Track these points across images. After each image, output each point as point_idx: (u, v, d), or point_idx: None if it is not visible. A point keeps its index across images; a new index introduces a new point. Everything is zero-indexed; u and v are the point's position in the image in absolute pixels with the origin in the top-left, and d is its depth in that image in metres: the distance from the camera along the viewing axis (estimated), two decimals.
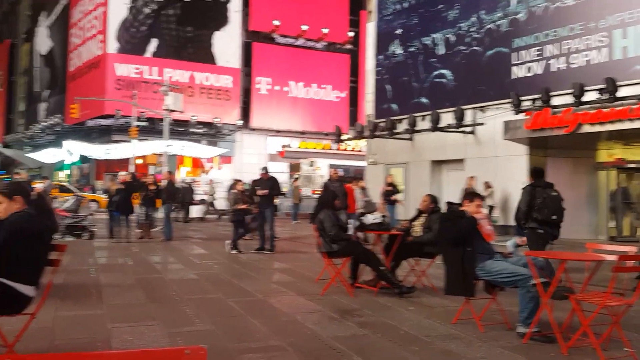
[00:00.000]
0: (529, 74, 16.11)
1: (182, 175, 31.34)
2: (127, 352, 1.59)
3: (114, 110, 31.58)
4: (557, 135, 13.81)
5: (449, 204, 6.50)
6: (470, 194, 5.93)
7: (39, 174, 34.34)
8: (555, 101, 13.93)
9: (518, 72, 16.42)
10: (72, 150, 34.33)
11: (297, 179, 25.66)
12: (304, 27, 38.29)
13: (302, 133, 39.22)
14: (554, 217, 6.92)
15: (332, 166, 31.17)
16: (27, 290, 3.71)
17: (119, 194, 13.11)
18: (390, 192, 15.76)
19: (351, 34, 40.62)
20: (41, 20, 48.71)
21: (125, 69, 34.78)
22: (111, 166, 33.84)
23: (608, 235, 15.58)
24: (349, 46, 41.00)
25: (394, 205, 16.02)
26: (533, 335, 4.84)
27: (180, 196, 14.82)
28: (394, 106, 21.04)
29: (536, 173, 7.67)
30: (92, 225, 13.69)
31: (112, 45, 34.75)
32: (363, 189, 14.84)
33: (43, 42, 47.65)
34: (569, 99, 13.33)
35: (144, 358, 1.58)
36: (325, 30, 38.90)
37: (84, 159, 35.56)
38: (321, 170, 30.43)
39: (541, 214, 6.91)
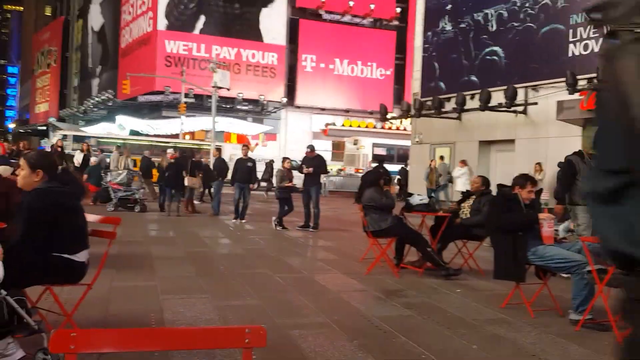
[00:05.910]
0: (585, 52, 15.43)
1: (231, 151, 31.18)
2: (191, 329, 1.64)
3: (164, 87, 32.18)
4: None
5: (500, 186, 6.35)
6: (522, 178, 5.72)
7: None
8: None
9: (574, 50, 15.75)
10: (123, 125, 35.27)
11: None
12: (351, 3, 37.79)
13: (346, 111, 39.01)
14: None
15: (376, 145, 30.80)
16: (78, 257, 3.83)
17: (170, 170, 13.42)
18: None
19: (398, 9, 39.85)
20: None
21: (174, 46, 35.30)
22: None
23: None
24: (395, 22, 40.26)
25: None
26: (586, 323, 4.71)
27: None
28: (442, 84, 20.61)
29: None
30: (144, 198, 14.10)
31: (162, 22, 35.26)
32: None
33: (96, 18, 48.78)
34: None
35: (206, 335, 1.62)
36: (372, 6, 38.29)
37: (134, 133, 36.48)
38: (365, 149, 30.14)
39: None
